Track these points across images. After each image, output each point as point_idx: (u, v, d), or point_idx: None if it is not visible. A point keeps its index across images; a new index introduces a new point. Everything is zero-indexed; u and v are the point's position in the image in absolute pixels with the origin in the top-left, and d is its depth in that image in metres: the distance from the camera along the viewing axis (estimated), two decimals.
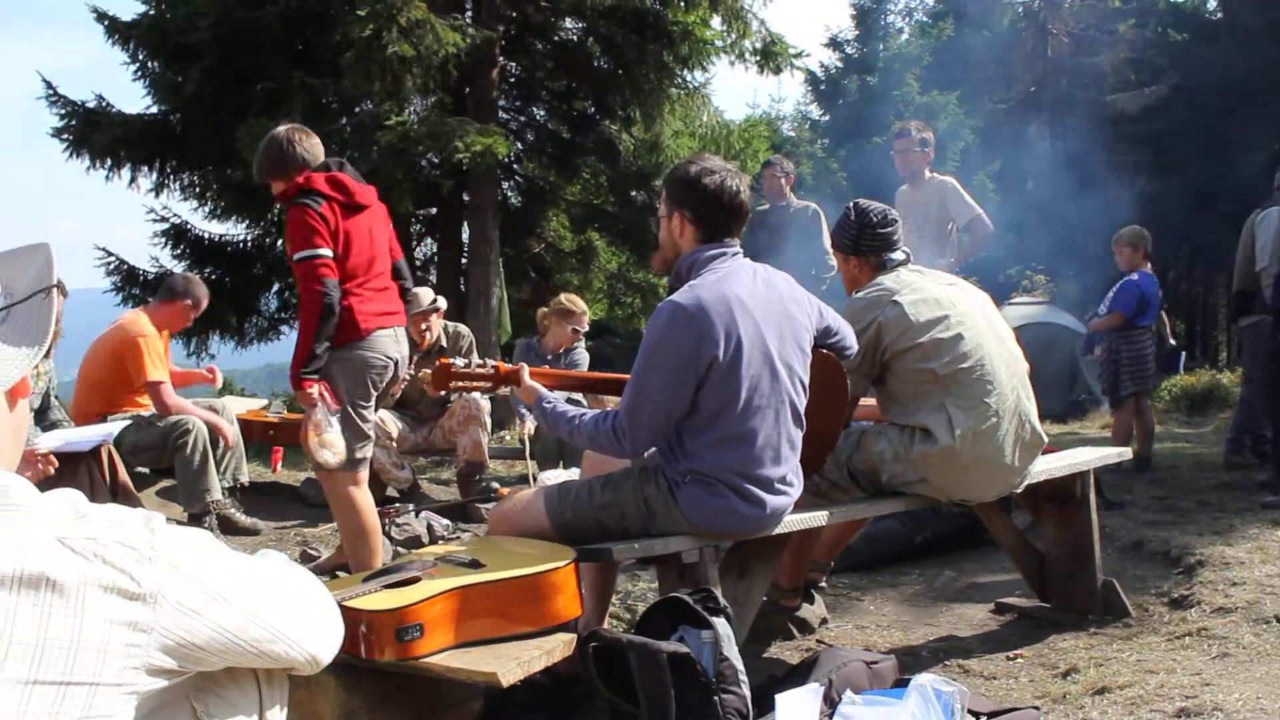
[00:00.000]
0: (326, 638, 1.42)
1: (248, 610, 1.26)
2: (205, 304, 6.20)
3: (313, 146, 4.31)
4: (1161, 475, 7.08)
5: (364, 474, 4.36)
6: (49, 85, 11.14)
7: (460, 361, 3.31)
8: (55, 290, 1.28)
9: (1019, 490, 3.93)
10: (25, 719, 1.05)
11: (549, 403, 3.25)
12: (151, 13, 11.27)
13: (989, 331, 3.79)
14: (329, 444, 4.07)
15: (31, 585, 1.07)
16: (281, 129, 4.39)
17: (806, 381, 3.21)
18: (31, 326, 1.25)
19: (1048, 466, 4.09)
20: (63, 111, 11.05)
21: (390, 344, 4.37)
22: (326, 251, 4.15)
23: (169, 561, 1.18)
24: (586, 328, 7.31)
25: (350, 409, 4.27)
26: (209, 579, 1.22)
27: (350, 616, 2.58)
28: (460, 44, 9.12)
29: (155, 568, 1.16)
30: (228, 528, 5.74)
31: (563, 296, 7.57)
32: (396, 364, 4.39)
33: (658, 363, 2.99)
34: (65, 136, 10.87)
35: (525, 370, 3.34)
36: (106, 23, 11.01)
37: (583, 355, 7.28)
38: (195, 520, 5.48)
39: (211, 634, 1.21)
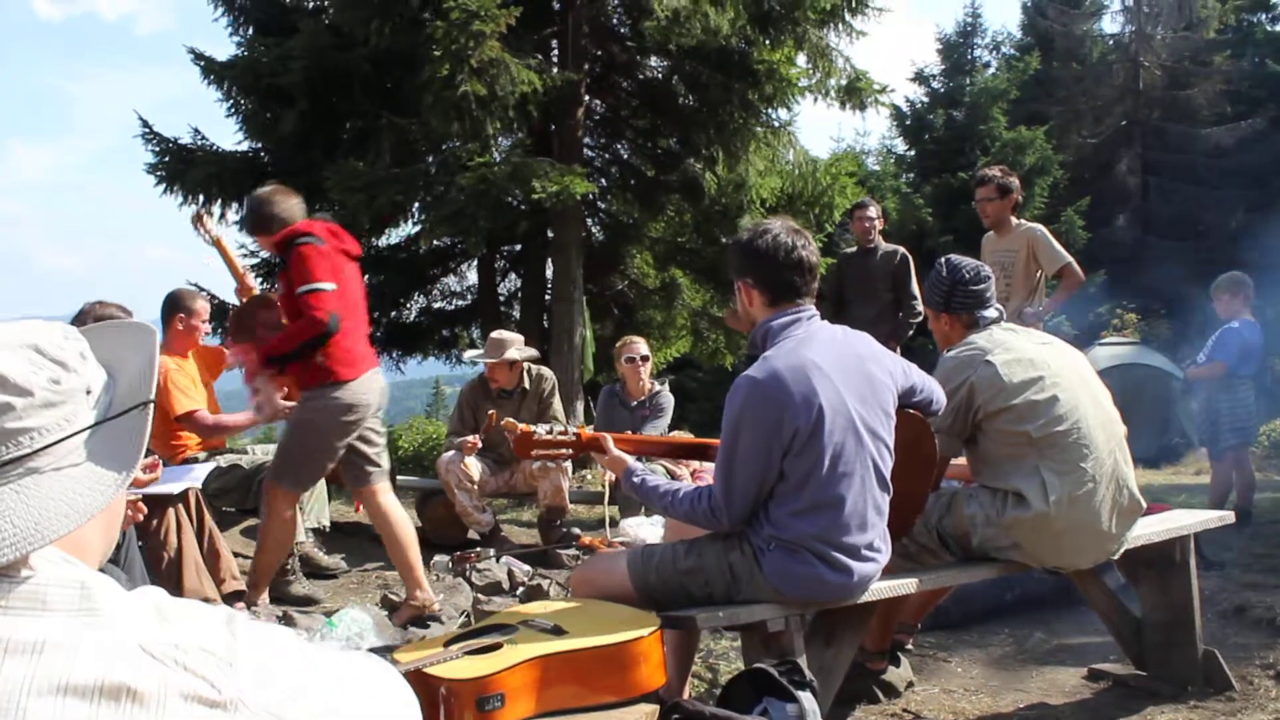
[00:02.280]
0: None
1: (329, 707, 1.24)
2: (201, 307, 5.86)
3: (291, 205, 4.70)
4: (1263, 530, 6.83)
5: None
6: (144, 123, 11.39)
7: (542, 429, 3.29)
8: (152, 405, 1.25)
9: (1115, 557, 3.80)
10: None
11: (638, 476, 3.22)
12: (246, 54, 11.53)
13: (1085, 393, 3.68)
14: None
15: (112, 696, 1.05)
16: (263, 190, 4.78)
17: (891, 444, 3.14)
18: (123, 445, 1.22)
19: (1146, 531, 3.95)
20: (157, 148, 11.30)
21: (375, 385, 4.77)
22: (331, 285, 4.49)
23: (250, 666, 1.15)
24: (644, 353, 7.26)
25: (333, 442, 4.67)
26: (290, 680, 1.20)
27: (431, 683, 2.56)
28: (537, 83, 9.18)
29: (236, 673, 1.13)
30: (310, 567, 5.78)
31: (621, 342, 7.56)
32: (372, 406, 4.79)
33: (743, 440, 2.95)
34: (159, 173, 11.13)
35: (609, 440, 3.31)
36: (203, 64, 11.28)
37: (668, 399, 7.24)
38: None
39: None
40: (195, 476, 4.61)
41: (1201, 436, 7.94)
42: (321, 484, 6.21)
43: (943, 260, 3.91)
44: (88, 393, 1.20)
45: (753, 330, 3.19)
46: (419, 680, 2.57)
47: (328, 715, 1.23)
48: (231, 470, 5.63)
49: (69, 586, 1.10)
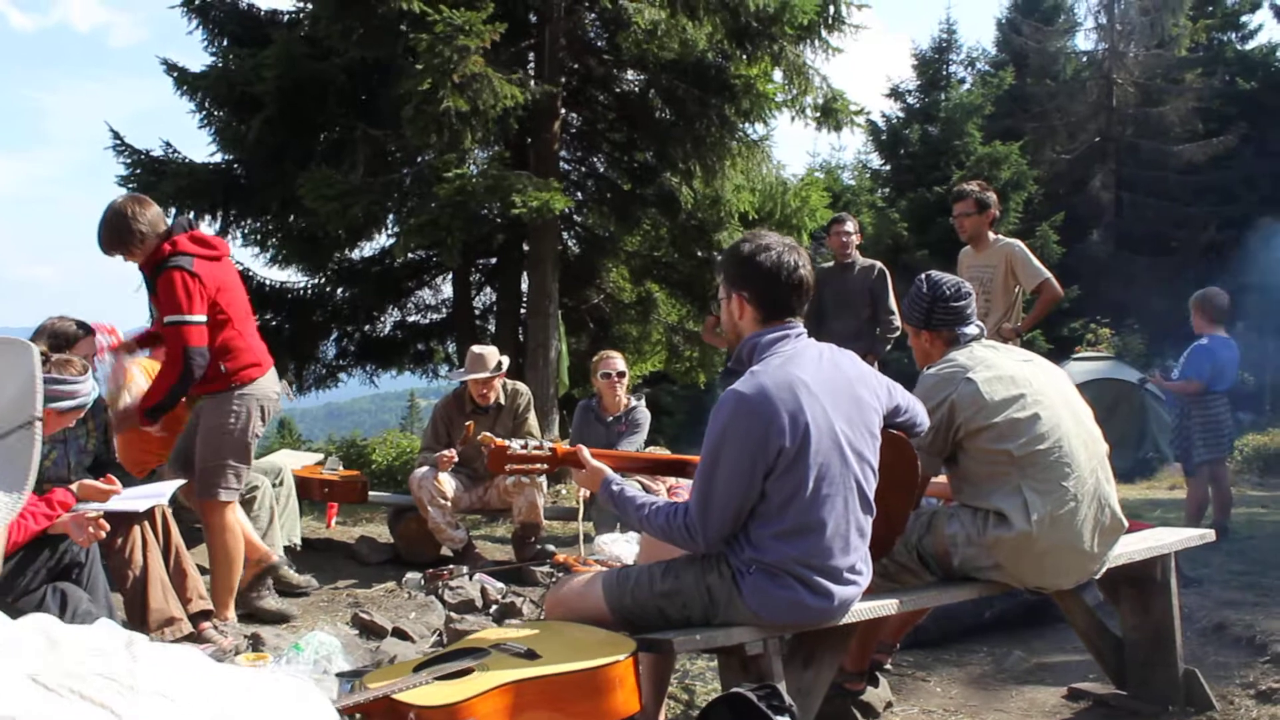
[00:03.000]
0: None
1: None
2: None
3: (153, 217, 4.60)
4: (1240, 546, 6.83)
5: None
6: (115, 135, 11.26)
7: (517, 444, 3.22)
8: (39, 423, 1.19)
9: (1097, 577, 3.76)
10: None
11: (617, 485, 3.15)
12: (219, 64, 11.44)
13: (1066, 411, 3.65)
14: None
15: None
16: (120, 201, 4.64)
17: (876, 465, 3.09)
18: (9, 468, 1.17)
19: (1126, 549, 3.91)
20: (129, 160, 11.18)
21: (275, 381, 4.98)
22: (199, 318, 4.52)
23: (153, 689, 1.09)
24: (620, 368, 7.22)
25: (248, 441, 4.80)
26: (195, 702, 1.14)
27: (400, 710, 2.50)
28: (519, 98, 9.13)
29: (139, 697, 1.07)
30: (281, 585, 5.68)
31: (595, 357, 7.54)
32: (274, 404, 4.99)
33: (725, 455, 2.88)
34: (130, 185, 10.99)
35: (585, 452, 3.25)
36: (175, 74, 11.17)
37: (644, 415, 7.19)
38: (257, 575, 5.40)
39: None
40: (161, 494, 4.51)
41: (1176, 452, 7.95)
42: (294, 502, 6.12)
43: (923, 277, 3.87)
44: None
45: (739, 344, 3.13)
46: (388, 707, 2.51)
47: None
48: None
49: None
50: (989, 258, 6.65)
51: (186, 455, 4.92)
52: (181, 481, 4.80)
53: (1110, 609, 4.41)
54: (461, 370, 6.70)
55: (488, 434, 3.37)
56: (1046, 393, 3.62)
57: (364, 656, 4.35)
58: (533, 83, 10.10)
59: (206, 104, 11.12)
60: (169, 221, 4.70)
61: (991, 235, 6.75)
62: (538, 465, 3.29)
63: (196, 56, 11.84)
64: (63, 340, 4.71)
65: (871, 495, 3.06)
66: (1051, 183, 24.80)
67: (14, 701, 1.00)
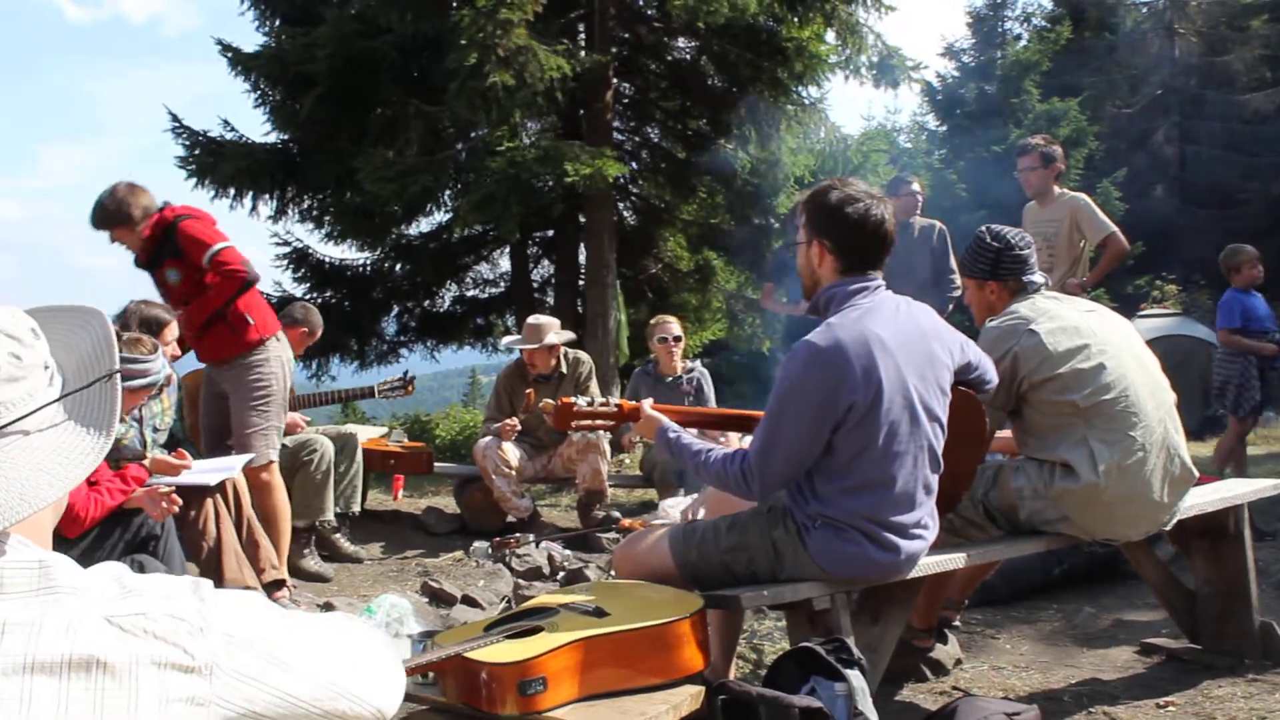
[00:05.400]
0: (389, 690, 1.36)
1: (306, 671, 1.20)
2: (319, 334, 6.39)
3: (150, 198, 4.94)
4: None
5: None
6: (174, 117, 11.38)
7: (583, 400, 3.24)
8: (118, 376, 1.23)
9: (1168, 528, 3.71)
10: None
11: (674, 433, 3.16)
12: (272, 44, 11.53)
13: (1132, 361, 3.60)
14: None
15: (82, 668, 1.02)
16: (119, 186, 4.95)
17: (945, 422, 3.06)
18: (96, 415, 1.20)
19: (1198, 500, 3.86)
20: (187, 142, 11.30)
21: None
22: (230, 244, 4.85)
23: (222, 630, 1.13)
24: (676, 333, 7.24)
25: (280, 399, 5.05)
26: (264, 644, 1.17)
27: (472, 668, 2.53)
28: (566, 69, 9.10)
29: (208, 638, 1.11)
30: (331, 550, 5.80)
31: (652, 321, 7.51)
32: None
33: (792, 406, 2.86)
34: (189, 166, 11.14)
35: (647, 405, 3.25)
36: (230, 55, 11.28)
37: (702, 374, 7.21)
38: (300, 534, 5.55)
39: (271, 699, 1.16)
40: (231, 467, 4.60)
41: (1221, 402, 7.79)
42: (360, 470, 6.20)
43: (984, 229, 3.82)
44: (45, 367, 1.19)
45: (815, 291, 3.10)
46: (459, 665, 2.54)
47: (304, 680, 1.20)
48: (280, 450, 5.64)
49: (26, 568, 1.08)
50: (1053, 212, 6.54)
51: (219, 430, 5.06)
52: (251, 455, 4.89)
53: (1182, 562, 4.36)
54: (515, 339, 6.75)
55: (547, 400, 3.39)
56: (1111, 342, 3.57)
57: (435, 622, 4.42)
58: (582, 53, 10.07)
59: (261, 84, 11.20)
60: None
61: (1056, 190, 6.63)
62: (603, 422, 3.30)
63: (249, 38, 11.97)
64: (153, 325, 4.82)
65: (940, 452, 3.03)
66: (1113, 138, 24.27)
67: (92, 641, 1.04)
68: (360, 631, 1.37)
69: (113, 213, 4.89)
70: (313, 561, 5.58)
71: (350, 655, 1.30)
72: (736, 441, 6.31)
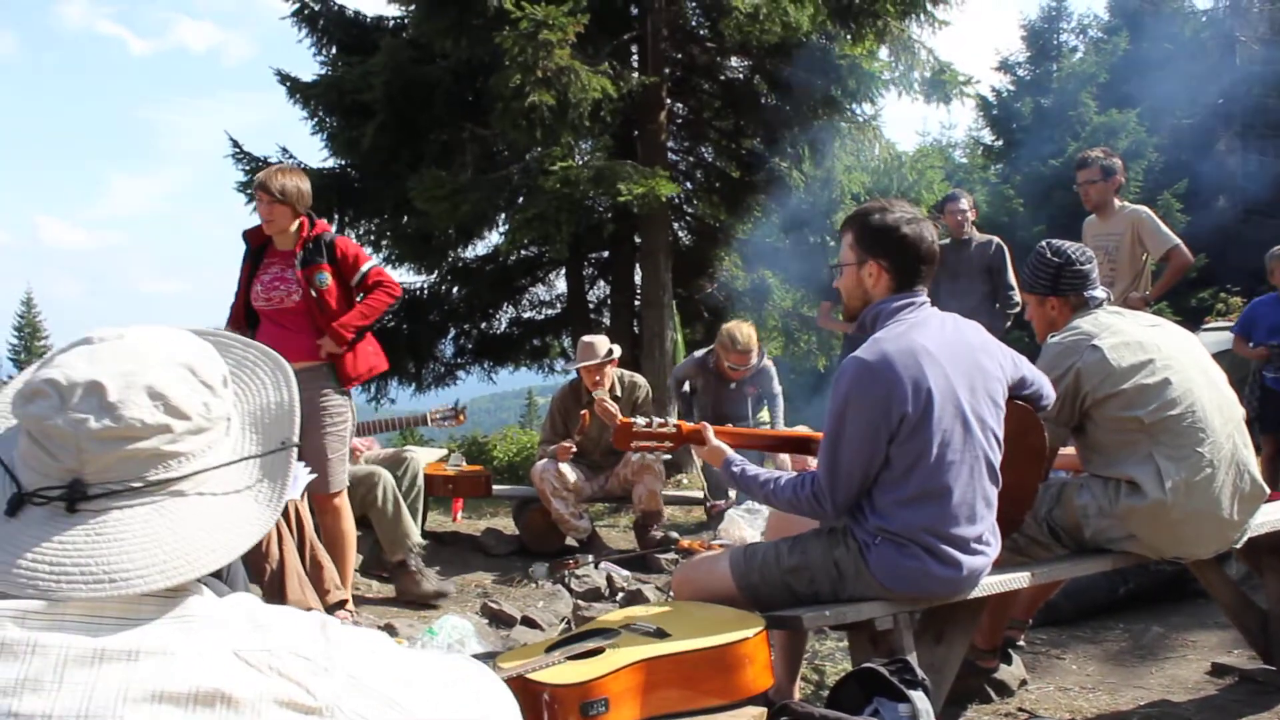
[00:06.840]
0: None
1: (425, 714, 1.21)
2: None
3: (309, 190, 4.97)
4: None
5: None
6: (235, 143, 11.64)
7: (642, 421, 3.25)
8: (294, 450, 1.24)
9: (1238, 546, 3.64)
10: None
11: (737, 466, 3.17)
12: (329, 74, 11.71)
13: (1199, 375, 3.53)
14: None
15: (206, 703, 1.03)
16: (291, 166, 5.27)
17: (1001, 435, 3.03)
18: (267, 478, 1.21)
19: (1269, 517, 3.77)
20: (247, 168, 11.52)
21: None
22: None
23: (346, 671, 1.13)
24: (753, 361, 7.16)
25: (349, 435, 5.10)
26: (386, 685, 1.17)
27: (533, 690, 2.53)
28: (610, 90, 9.12)
29: (331, 678, 1.11)
30: (409, 595, 5.56)
31: (726, 328, 7.28)
32: None
33: (849, 422, 2.88)
34: (249, 192, 11.32)
35: (709, 430, 3.26)
36: (288, 84, 11.48)
37: (764, 372, 7.24)
38: (400, 567, 5.55)
39: None
40: (293, 488, 4.64)
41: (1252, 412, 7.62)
42: (421, 494, 6.21)
43: (1044, 244, 3.78)
44: (227, 420, 1.20)
45: (862, 310, 3.12)
46: (521, 687, 2.55)
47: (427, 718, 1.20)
48: None
49: (162, 595, 1.09)
50: (1114, 225, 6.45)
51: None
52: (312, 476, 4.93)
53: (1254, 581, 4.26)
54: (574, 361, 6.77)
55: (602, 396, 3.39)
56: (1176, 357, 3.52)
57: (495, 644, 4.43)
58: (635, 75, 10.11)
59: (319, 112, 11.38)
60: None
61: (1117, 202, 6.55)
62: (663, 444, 3.30)
63: (306, 66, 12.17)
64: None
65: (997, 465, 3.01)
66: (1172, 149, 23.91)
67: (220, 675, 1.05)
68: (476, 672, 1.37)
69: (287, 185, 4.89)
70: (429, 583, 5.52)
71: (468, 696, 1.30)
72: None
